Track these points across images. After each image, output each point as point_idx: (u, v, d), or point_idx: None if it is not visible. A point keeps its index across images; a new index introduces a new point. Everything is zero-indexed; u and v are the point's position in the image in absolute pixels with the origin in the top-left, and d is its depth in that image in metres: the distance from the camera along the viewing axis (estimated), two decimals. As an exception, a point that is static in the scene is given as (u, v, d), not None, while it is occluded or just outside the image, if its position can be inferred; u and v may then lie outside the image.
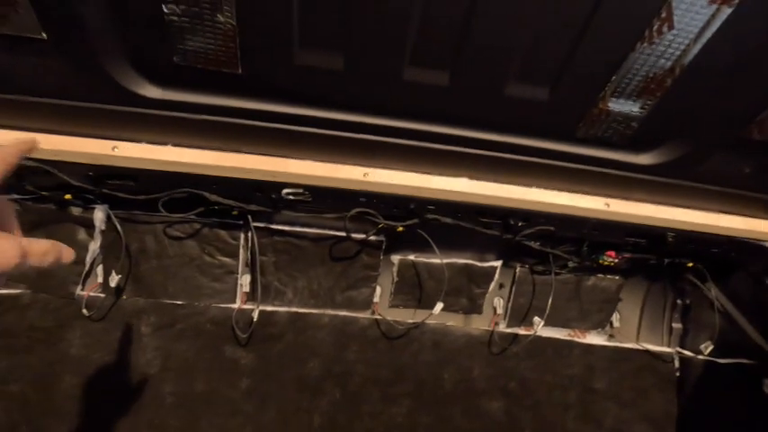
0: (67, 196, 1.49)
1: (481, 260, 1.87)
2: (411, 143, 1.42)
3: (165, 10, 1.10)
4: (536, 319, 1.85)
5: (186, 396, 1.73)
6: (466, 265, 1.84)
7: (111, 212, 1.59)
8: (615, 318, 1.99)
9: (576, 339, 1.96)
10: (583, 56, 1.19)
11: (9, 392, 1.63)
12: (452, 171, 1.51)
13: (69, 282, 1.64)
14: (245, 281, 1.76)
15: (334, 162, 1.47)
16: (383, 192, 1.52)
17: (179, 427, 1.73)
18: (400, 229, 1.63)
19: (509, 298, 1.94)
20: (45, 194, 1.48)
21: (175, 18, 1.12)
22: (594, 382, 1.95)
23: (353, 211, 1.53)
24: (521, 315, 1.93)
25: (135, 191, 1.47)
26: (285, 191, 1.50)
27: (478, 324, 1.94)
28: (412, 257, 1.84)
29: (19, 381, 1.64)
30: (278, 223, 1.70)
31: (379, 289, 1.86)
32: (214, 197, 1.49)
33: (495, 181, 1.54)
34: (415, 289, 1.87)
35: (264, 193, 1.52)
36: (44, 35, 1.13)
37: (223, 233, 1.71)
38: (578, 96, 1.29)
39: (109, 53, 1.18)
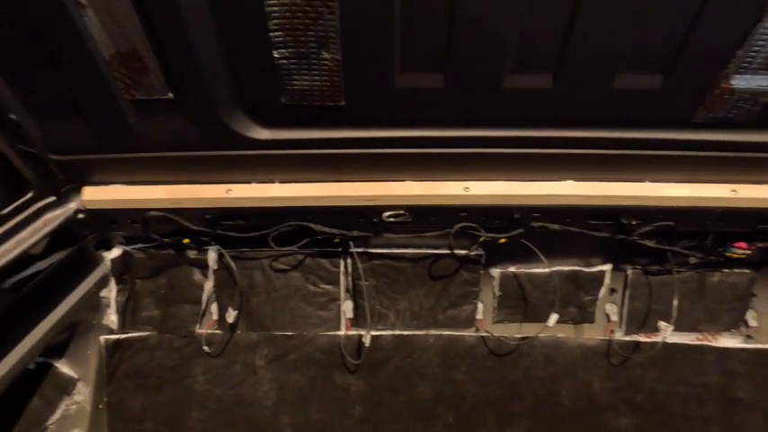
0: (185, 240, 1.60)
1: (587, 265, 1.77)
2: (512, 151, 1.39)
3: (276, 55, 1.17)
4: (662, 324, 1.70)
5: (303, 426, 1.75)
6: (572, 271, 1.74)
7: (222, 251, 1.68)
8: (750, 316, 1.78)
9: (708, 343, 1.77)
10: (701, 34, 1.11)
11: (144, 430, 1.74)
12: (557, 174, 1.45)
13: (189, 321, 1.75)
14: (347, 307, 1.78)
15: (434, 180, 1.47)
16: (485, 204, 1.49)
17: (299, 457, 1.75)
18: (502, 240, 1.59)
19: (622, 303, 1.80)
20: (166, 241, 1.60)
21: (284, 61, 1.19)
22: (736, 391, 1.74)
23: (457, 227, 1.51)
24: (638, 321, 1.78)
25: (245, 229, 1.55)
26: (386, 214, 1.52)
27: (592, 334, 1.82)
28: (513, 269, 1.77)
29: (152, 419, 1.74)
30: (376, 247, 1.71)
31: (481, 305, 1.81)
32: (319, 227, 1.54)
33: (603, 180, 1.46)
34: (519, 302, 1.80)
35: (366, 218, 1.54)
36: (170, 95, 1.24)
37: (324, 261, 1.75)
38: (696, 79, 1.21)
39: (224, 103, 1.27)
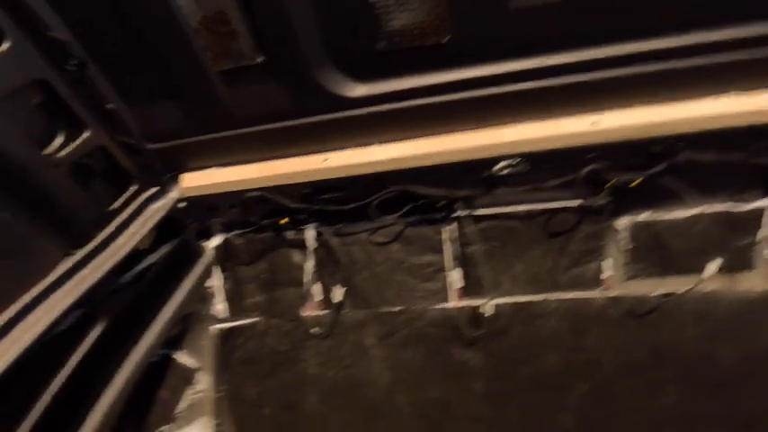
0: (283, 221, 1.54)
1: (741, 202, 1.48)
2: (653, 68, 1.15)
3: (371, -6, 1.03)
4: None
5: (423, 405, 1.66)
6: (723, 211, 1.47)
7: (321, 229, 1.60)
8: None
9: None
10: None
11: (263, 416, 1.74)
12: (712, 89, 1.19)
13: (294, 304, 1.70)
14: (455, 277, 1.64)
15: (554, 118, 1.27)
16: (619, 139, 1.27)
17: (421, 437, 1.66)
18: (635, 183, 1.36)
19: (789, 244, 1.50)
20: (264, 223, 1.55)
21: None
22: None
23: (585, 171, 1.30)
24: (812, 263, 1.48)
25: (344, 200, 1.46)
26: (498, 166, 1.35)
27: (752, 284, 1.53)
28: (646, 216, 1.53)
29: (270, 404, 1.73)
30: (483, 207, 1.55)
31: (607, 262, 1.59)
32: (423, 189, 1.40)
33: (771, 89, 1.18)
34: (655, 253, 1.55)
35: (475, 173, 1.38)
36: (260, 59, 1.15)
37: (426, 230, 1.61)
38: None
39: (317, 60, 1.15)
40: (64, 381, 1.14)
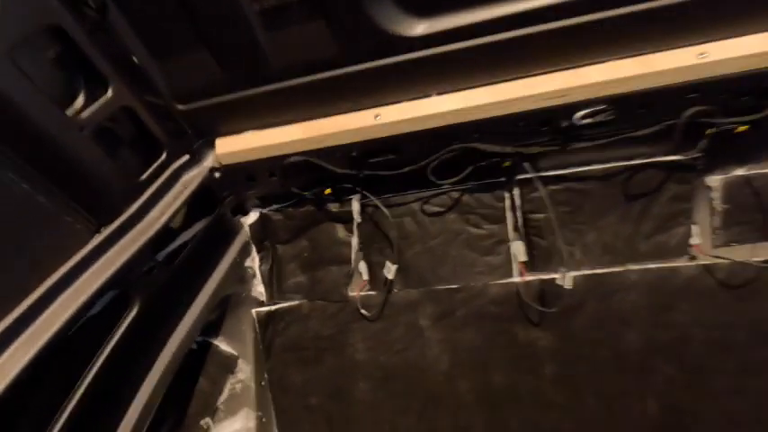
0: (327, 191, 1.39)
1: None
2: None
3: None
4: None
5: (486, 391, 1.50)
6: (841, 161, 1.26)
7: (367, 201, 1.44)
8: None
9: None
10: None
11: (311, 406, 1.61)
12: None
13: (339, 284, 1.55)
14: (518, 249, 1.46)
15: (650, 52, 1.07)
16: (731, 73, 1.06)
17: (485, 426, 1.51)
18: (741, 129, 1.15)
19: None
20: (306, 195, 1.40)
21: None
22: None
23: (687, 114, 1.10)
24: None
25: (398, 164, 1.29)
26: (579, 114, 1.16)
27: None
28: (742, 172, 1.32)
29: (316, 393, 1.60)
30: (554, 169, 1.37)
31: (696, 226, 1.39)
32: (488, 147, 1.22)
33: None
34: (754, 215, 1.34)
35: (551, 124, 1.19)
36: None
37: (486, 196, 1.43)
38: None
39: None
40: (99, 369, 1.02)
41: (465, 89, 1.14)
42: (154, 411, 1.18)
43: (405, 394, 1.54)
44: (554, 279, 1.41)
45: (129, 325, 1.11)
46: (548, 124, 1.17)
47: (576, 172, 1.36)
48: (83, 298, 0.99)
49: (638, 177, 1.35)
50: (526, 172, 1.36)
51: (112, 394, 1.11)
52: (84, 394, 0.99)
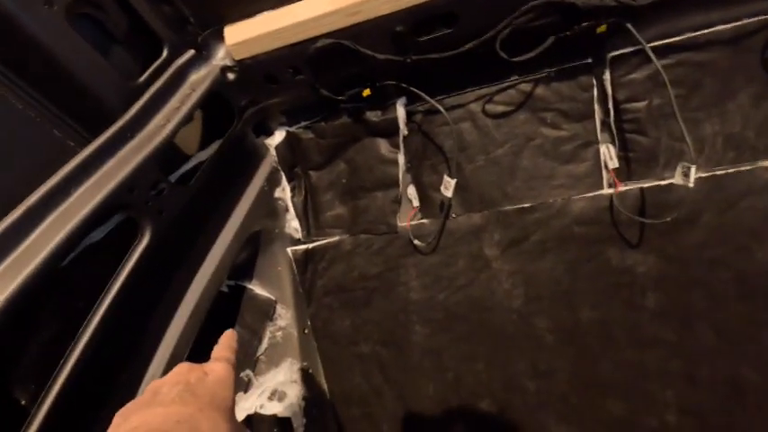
0: (366, 92, 1.12)
1: None
2: None
3: None
4: None
5: (570, 331, 1.24)
6: None
7: (413, 106, 1.17)
8: None
9: None
10: None
11: (361, 354, 1.41)
12: None
13: (386, 212, 1.31)
14: (609, 151, 1.16)
15: None
16: None
17: (572, 370, 1.26)
18: None
19: None
20: (340, 101, 1.14)
21: None
22: None
23: None
24: None
25: (455, 41, 1.01)
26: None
27: None
28: None
29: (367, 340, 1.40)
30: (653, 40, 1.04)
31: None
32: (581, 1, 0.92)
33: None
34: None
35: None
36: None
37: (566, 86, 1.13)
38: None
39: None
40: (107, 310, 0.84)
41: None
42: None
43: (470, 338, 1.31)
44: (658, 186, 1.12)
45: (140, 258, 0.91)
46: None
47: (694, 36, 1.03)
48: (75, 220, 0.79)
49: (779, 40, 1.00)
50: (622, 46, 1.05)
51: (128, 344, 0.93)
52: (90, 342, 0.81)
